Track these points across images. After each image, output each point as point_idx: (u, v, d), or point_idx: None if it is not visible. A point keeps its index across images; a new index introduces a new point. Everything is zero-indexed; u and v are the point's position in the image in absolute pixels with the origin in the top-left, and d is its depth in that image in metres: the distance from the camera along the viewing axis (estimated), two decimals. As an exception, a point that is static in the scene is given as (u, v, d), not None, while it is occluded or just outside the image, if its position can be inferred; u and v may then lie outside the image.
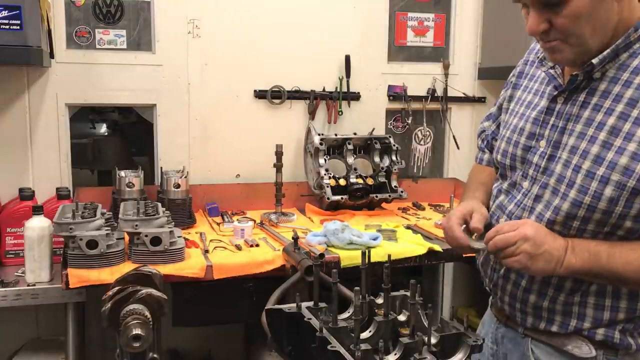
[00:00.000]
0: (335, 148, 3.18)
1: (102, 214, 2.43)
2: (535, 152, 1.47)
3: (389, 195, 3.10)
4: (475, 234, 1.50)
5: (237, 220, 2.70)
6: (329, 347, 1.26)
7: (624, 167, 1.30)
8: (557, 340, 1.45)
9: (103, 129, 4.37)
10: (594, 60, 1.34)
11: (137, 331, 1.66)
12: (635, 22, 1.34)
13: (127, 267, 2.15)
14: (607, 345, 1.41)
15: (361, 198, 3.05)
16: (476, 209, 1.56)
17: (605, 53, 1.33)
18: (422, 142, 3.56)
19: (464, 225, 1.53)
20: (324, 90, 3.28)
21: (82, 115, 3.82)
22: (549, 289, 1.45)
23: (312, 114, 3.27)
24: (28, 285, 2.32)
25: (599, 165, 1.33)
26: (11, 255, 2.58)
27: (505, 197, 1.56)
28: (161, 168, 2.99)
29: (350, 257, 2.38)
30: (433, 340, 1.30)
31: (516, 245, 1.35)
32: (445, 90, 3.48)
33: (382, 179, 3.13)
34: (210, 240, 2.56)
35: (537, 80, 1.55)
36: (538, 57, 1.55)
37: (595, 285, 1.40)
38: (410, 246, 2.50)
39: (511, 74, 1.69)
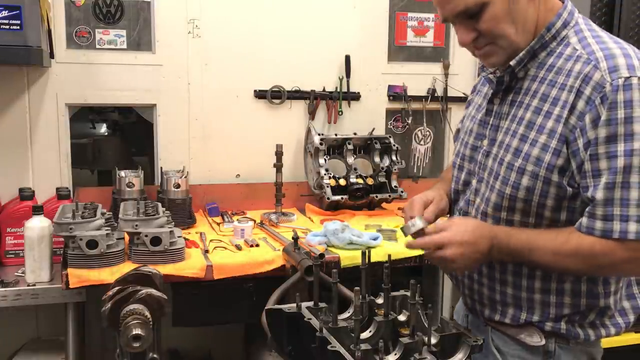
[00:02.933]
0: (335, 148, 3.18)
1: (102, 214, 2.43)
2: (480, 150, 1.57)
3: (389, 195, 3.10)
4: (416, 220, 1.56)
5: (237, 220, 2.70)
6: (329, 347, 1.26)
7: (536, 158, 1.40)
8: (512, 330, 1.53)
9: (103, 129, 4.37)
10: (512, 62, 1.45)
11: (137, 331, 1.66)
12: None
13: (127, 267, 2.15)
14: (556, 334, 1.48)
15: (361, 198, 3.05)
16: (436, 200, 1.68)
17: (521, 54, 1.44)
18: (422, 142, 3.56)
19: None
20: (324, 90, 3.28)
21: (82, 115, 3.82)
22: (496, 284, 1.54)
23: (312, 114, 3.27)
24: (28, 285, 2.32)
25: (517, 157, 1.43)
26: (11, 255, 2.58)
27: (460, 196, 1.66)
28: (161, 168, 2.99)
29: (350, 257, 2.38)
30: (433, 340, 1.30)
31: (438, 253, 1.45)
32: (445, 90, 3.48)
33: (382, 179, 3.13)
34: (210, 240, 2.56)
35: (484, 84, 1.66)
36: (479, 65, 1.64)
37: (540, 281, 1.48)
38: (410, 246, 2.50)
39: (477, 81, 1.80)
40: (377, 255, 2.28)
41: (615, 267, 1.37)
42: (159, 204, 2.54)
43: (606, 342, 1.57)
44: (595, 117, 1.32)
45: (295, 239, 2.25)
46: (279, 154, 2.92)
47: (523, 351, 1.51)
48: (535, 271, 1.47)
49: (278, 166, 2.93)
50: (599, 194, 1.32)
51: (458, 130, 1.83)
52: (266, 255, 2.38)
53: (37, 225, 2.32)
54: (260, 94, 3.20)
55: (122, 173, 2.83)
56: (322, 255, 2.28)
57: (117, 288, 1.74)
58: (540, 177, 1.39)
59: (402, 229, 1.59)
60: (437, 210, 1.66)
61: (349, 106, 3.33)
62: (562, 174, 1.38)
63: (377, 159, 3.17)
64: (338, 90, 3.30)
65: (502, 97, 1.53)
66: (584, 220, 1.36)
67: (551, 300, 1.47)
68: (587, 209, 1.36)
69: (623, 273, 1.44)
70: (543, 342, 1.48)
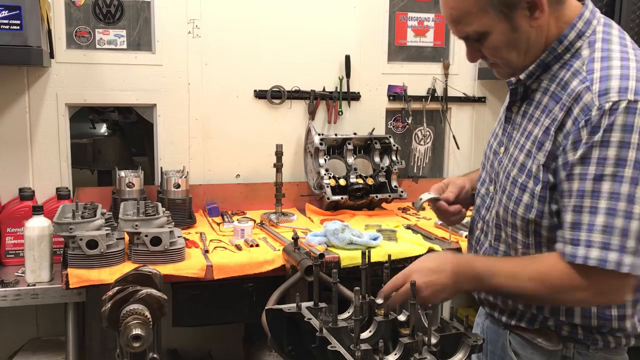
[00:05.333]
0: (335, 148, 3.18)
1: (102, 214, 2.43)
2: (497, 157, 1.55)
3: (389, 195, 3.10)
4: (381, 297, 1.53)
5: (237, 220, 2.70)
6: (329, 347, 1.26)
7: (534, 176, 1.37)
8: (529, 333, 1.50)
9: (103, 129, 4.37)
10: (521, 76, 1.43)
11: (137, 331, 1.66)
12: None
13: (127, 267, 2.15)
14: (574, 339, 1.45)
15: (361, 198, 3.05)
16: (452, 182, 1.71)
17: (531, 68, 1.42)
18: (422, 142, 3.56)
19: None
20: (324, 90, 3.28)
21: (82, 115, 3.82)
22: (509, 299, 1.51)
23: (312, 114, 3.27)
24: (28, 285, 2.32)
25: (522, 173, 1.41)
26: (11, 255, 2.58)
27: (480, 200, 1.63)
28: (161, 168, 3.00)
29: (350, 257, 2.38)
30: (433, 340, 1.30)
31: (403, 288, 1.42)
32: (445, 90, 3.48)
33: (382, 179, 3.13)
34: (210, 240, 2.56)
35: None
36: None
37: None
38: (410, 246, 2.50)
39: None
40: (377, 255, 2.29)
41: (573, 294, 1.33)
42: (159, 204, 2.54)
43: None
44: (576, 139, 1.28)
45: (295, 239, 2.25)
46: (279, 154, 2.92)
47: (541, 355, 1.48)
48: None
49: (278, 166, 2.93)
50: (568, 217, 1.30)
51: None
52: (266, 255, 2.38)
53: (37, 225, 2.32)
54: (260, 94, 3.20)
55: (122, 173, 2.83)
56: (322, 255, 2.28)
57: (117, 288, 1.74)
58: (537, 195, 1.37)
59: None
60: (456, 189, 1.68)
61: (349, 106, 3.33)
62: (553, 192, 1.35)
63: (377, 159, 3.17)
64: (338, 90, 3.30)
65: (519, 106, 1.50)
66: (559, 245, 1.33)
67: (561, 319, 1.43)
68: (558, 232, 1.34)
69: (577, 302, 1.38)
70: (560, 346, 1.45)
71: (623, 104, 1.24)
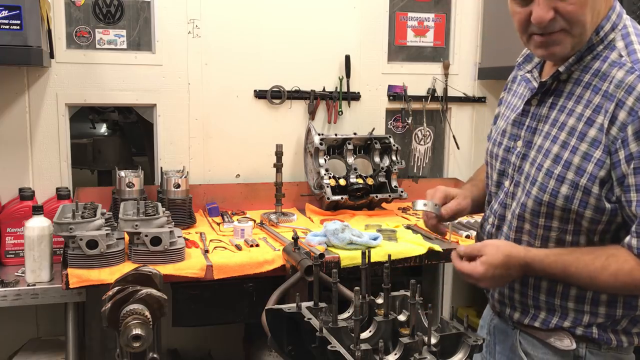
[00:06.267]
0: (335, 148, 3.18)
1: (102, 214, 2.43)
2: (514, 152, 1.53)
3: (389, 195, 3.10)
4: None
5: (237, 220, 2.70)
6: (329, 347, 1.26)
7: (577, 167, 1.36)
8: (542, 333, 1.50)
9: (103, 129, 4.37)
10: (561, 68, 1.40)
11: (137, 331, 1.66)
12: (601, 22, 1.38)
13: (127, 267, 2.15)
14: (587, 339, 1.45)
15: (361, 198, 3.05)
16: (459, 199, 1.69)
17: (570, 60, 1.39)
18: (422, 142, 3.56)
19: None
20: (324, 90, 3.28)
21: (82, 115, 3.82)
22: (529, 290, 1.51)
23: (312, 114, 3.27)
24: (28, 285, 2.32)
25: (557, 164, 1.39)
26: (11, 255, 2.58)
27: (493, 199, 1.62)
28: (161, 168, 2.99)
29: (350, 257, 2.38)
30: (433, 340, 1.30)
31: (468, 267, 1.44)
32: (445, 90, 3.48)
33: (382, 179, 3.13)
34: (210, 240, 2.56)
35: (521, 84, 1.61)
36: (517, 61, 1.61)
37: (576, 289, 1.44)
38: (410, 246, 2.50)
39: (509, 77, 1.75)
40: (377, 255, 2.29)
41: None
42: (159, 204, 2.54)
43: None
44: (638, 129, 1.27)
45: (295, 239, 2.25)
46: (279, 154, 2.92)
47: (553, 355, 1.49)
48: None
49: (278, 166, 2.93)
50: None
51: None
52: (266, 255, 2.38)
53: (37, 225, 2.32)
54: (260, 94, 3.20)
55: (122, 173, 2.83)
56: (322, 255, 2.28)
57: (117, 288, 1.74)
58: (581, 187, 1.35)
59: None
60: (456, 209, 1.67)
61: (349, 106, 3.33)
62: (603, 185, 1.34)
63: (377, 159, 3.17)
64: (338, 90, 3.30)
65: (540, 99, 1.47)
66: (633, 241, 1.32)
67: (585, 309, 1.44)
68: (633, 228, 1.32)
69: None
70: (574, 346, 1.46)
71: None
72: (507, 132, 1.56)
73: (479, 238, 1.70)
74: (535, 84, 1.50)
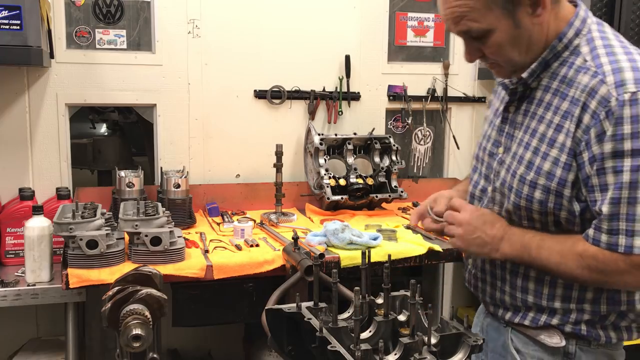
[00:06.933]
0: (335, 148, 3.18)
1: (102, 214, 2.43)
2: (496, 157, 1.57)
3: (389, 195, 3.10)
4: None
5: (237, 220, 2.69)
6: (329, 347, 1.26)
7: (547, 172, 1.40)
8: (532, 330, 1.53)
9: (103, 129, 4.37)
10: (523, 75, 1.44)
11: (137, 331, 1.66)
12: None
13: (127, 267, 2.15)
14: (576, 336, 1.48)
15: (361, 198, 3.05)
16: (441, 195, 1.74)
17: (533, 66, 1.43)
18: (422, 142, 3.56)
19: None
20: (324, 90, 3.28)
21: (82, 115, 3.82)
22: (517, 292, 1.55)
23: (312, 114, 3.27)
24: (28, 285, 2.32)
25: (529, 170, 1.43)
26: (11, 255, 2.58)
27: (475, 202, 1.66)
28: (161, 168, 2.99)
29: (350, 257, 2.38)
30: (433, 340, 1.30)
31: (453, 227, 1.54)
32: (445, 90, 3.48)
33: (382, 179, 3.13)
34: (210, 240, 2.56)
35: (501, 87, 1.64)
36: None
37: (561, 289, 1.48)
38: (410, 246, 2.50)
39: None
40: (377, 255, 2.29)
41: (619, 277, 1.37)
42: (159, 204, 2.54)
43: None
44: (599, 132, 1.31)
45: (295, 239, 2.24)
46: (279, 154, 2.92)
47: (543, 352, 1.51)
48: (558, 279, 1.47)
49: (278, 166, 2.93)
50: (605, 208, 1.33)
51: None
52: (266, 255, 2.38)
53: (37, 225, 2.32)
54: (260, 94, 3.20)
55: (122, 173, 2.83)
56: (322, 255, 2.28)
57: (117, 288, 1.74)
58: (553, 191, 1.40)
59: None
60: (446, 201, 1.70)
61: (349, 106, 3.33)
62: (574, 187, 1.39)
63: (377, 159, 3.17)
64: (338, 90, 3.30)
65: (517, 106, 1.51)
66: (590, 231, 1.37)
67: (571, 307, 1.47)
68: (594, 221, 1.37)
69: (625, 285, 1.42)
70: (563, 343, 1.48)
71: None
72: (492, 138, 1.60)
73: None
74: (509, 88, 1.53)
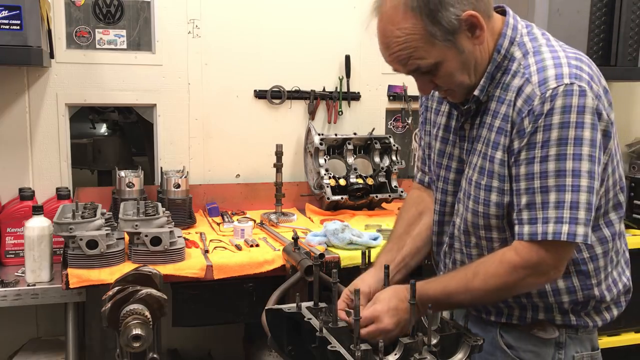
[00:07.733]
0: (335, 148, 3.18)
1: (102, 214, 2.43)
2: (451, 170, 1.60)
3: (389, 195, 3.10)
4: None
5: (237, 220, 2.70)
6: (329, 347, 1.26)
7: (497, 174, 1.43)
8: (523, 326, 1.54)
9: (103, 129, 4.37)
10: (476, 92, 1.47)
11: (137, 331, 1.66)
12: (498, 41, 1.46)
13: (127, 267, 2.15)
14: (567, 326, 1.51)
15: (361, 198, 3.05)
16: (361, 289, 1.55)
17: (482, 83, 1.46)
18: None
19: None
20: (324, 90, 3.28)
21: (82, 115, 3.82)
22: None
23: (312, 114, 3.27)
24: (28, 285, 2.32)
25: (483, 175, 1.46)
26: (11, 255, 2.58)
27: (444, 217, 1.65)
28: (161, 168, 2.99)
29: (350, 257, 2.38)
30: (433, 340, 1.30)
31: (372, 327, 1.42)
32: (445, 90, 3.48)
33: (382, 179, 3.13)
34: (210, 240, 2.56)
35: (442, 102, 1.65)
36: None
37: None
38: (410, 246, 2.50)
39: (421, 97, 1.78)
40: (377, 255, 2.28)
41: (539, 267, 1.37)
42: (159, 204, 2.54)
43: (605, 343, 1.58)
44: (520, 128, 1.36)
45: (295, 239, 2.25)
46: (279, 154, 2.92)
47: (536, 345, 1.53)
48: None
49: (278, 166, 2.93)
50: (522, 199, 1.37)
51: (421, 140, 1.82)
52: (266, 255, 2.38)
53: (37, 225, 2.32)
54: (260, 94, 3.20)
55: (122, 173, 2.83)
56: (322, 255, 2.28)
57: (117, 288, 1.74)
58: (506, 191, 1.42)
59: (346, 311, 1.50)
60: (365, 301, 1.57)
61: (349, 106, 3.33)
62: None
63: (377, 159, 3.17)
64: (338, 90, 3.30)
65: (471, 122, 1.54)
66: (516, 227, 1.39)
67: (550, 301, 1.48)
68: (514, 215, 1.39)
69: (548, 277, 1.41)
70: (557, 333, 1.51)
71: (561, 88, 1.32)
72: (444, 152, 1.62)
73: (434, 260, 1.75)
74: (462, 109, 1.54)
